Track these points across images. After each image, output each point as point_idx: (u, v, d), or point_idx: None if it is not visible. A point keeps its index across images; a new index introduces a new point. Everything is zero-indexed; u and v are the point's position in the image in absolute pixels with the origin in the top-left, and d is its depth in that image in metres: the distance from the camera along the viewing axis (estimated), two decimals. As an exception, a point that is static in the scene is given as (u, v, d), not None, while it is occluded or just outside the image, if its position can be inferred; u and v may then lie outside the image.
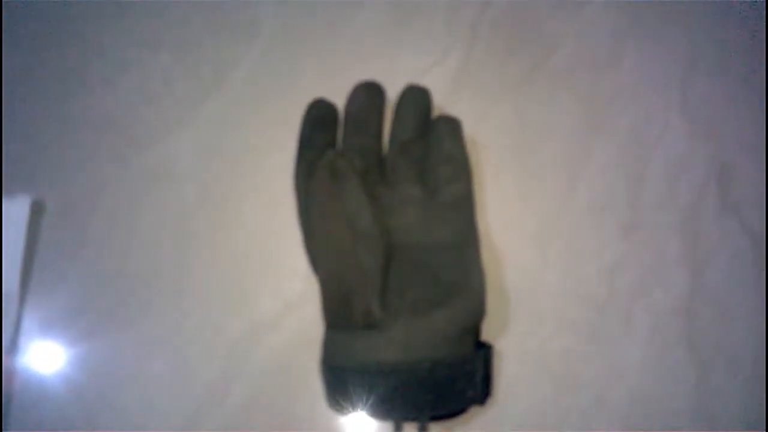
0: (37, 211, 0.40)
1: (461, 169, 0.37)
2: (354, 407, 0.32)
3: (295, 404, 0.39)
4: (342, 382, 0.32)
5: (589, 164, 0.43)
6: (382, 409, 0.32)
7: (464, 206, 0.36)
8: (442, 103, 0.42)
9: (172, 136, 0.42)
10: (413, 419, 0.32)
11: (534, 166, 0.42)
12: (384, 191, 0.36)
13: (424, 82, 0.39)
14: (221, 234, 0.41)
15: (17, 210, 0.39)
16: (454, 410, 0.34)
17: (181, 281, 0.40)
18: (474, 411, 0.35)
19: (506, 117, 0.43)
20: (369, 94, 0.38)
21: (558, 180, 0.42)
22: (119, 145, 0.42)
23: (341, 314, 0.33)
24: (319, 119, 0.38)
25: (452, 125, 0.38)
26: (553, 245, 0.41)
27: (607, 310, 0.40)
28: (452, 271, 0.34)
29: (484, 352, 0.34)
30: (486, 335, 0.36)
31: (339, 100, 0.38)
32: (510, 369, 0.39)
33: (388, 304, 0.32)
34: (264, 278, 0.40)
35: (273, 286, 0.40)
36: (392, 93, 0.39)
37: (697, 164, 0.43)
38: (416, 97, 0.39)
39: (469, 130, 0.38)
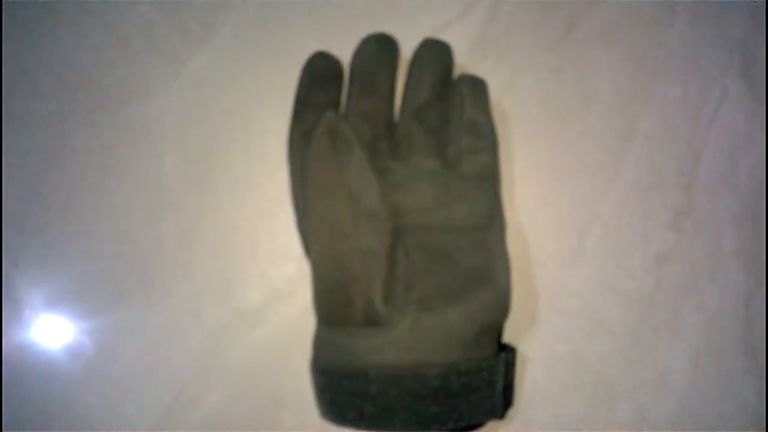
0: (-8, 177, 0.39)
1: (485, 139, 0.35)
2: (349, 417, 0.30)
3: (280, 409, 0.37)
4: (336, 387, 0.30)
5: (635, 138, 0.41)
6: (382, 422, 0.29)
7: (488, 182, 0.34)
8: (464, 64, 0.40)
9: (152, 95, 0.39)
10: (418, 435, 0.30)
11: (570, 139, 0.40)
12: (394, 163, 0.34)
13: (445, 38, 0.37)
14: (203, 207, 0.39)
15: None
16: (467, 425, 0.31)
17: (153, 261, 0.38)
18: (491, 426, 0.33)
19: (539, 82, 0.41)
20: (380, 49, 0.35)
21: (597, 156, 0.40)
22: (91, 104, 0.39)
23: (337, 307, 0.31)
24: (319, 76, 0.35)
25: (476, 87, 0.36)
26: (591, 232, 0.39)
27: (651, 310, 0.39)
28: (472, 258, 0.32)
29: (506, 356, 0.31)
30: (508, 336, 0.34)
31: (344, 56, 0.36)
32: (535, 377, 0.38)
33: (393, 297, 0.30)
34: (250, 260, 0.38)
35: (260, 270, 0.38)
36: (406, 49, 0.36)
37: (760, 140, 0.41)
38: (435, 53, 0.36)
39: (495, 95, 0.36)
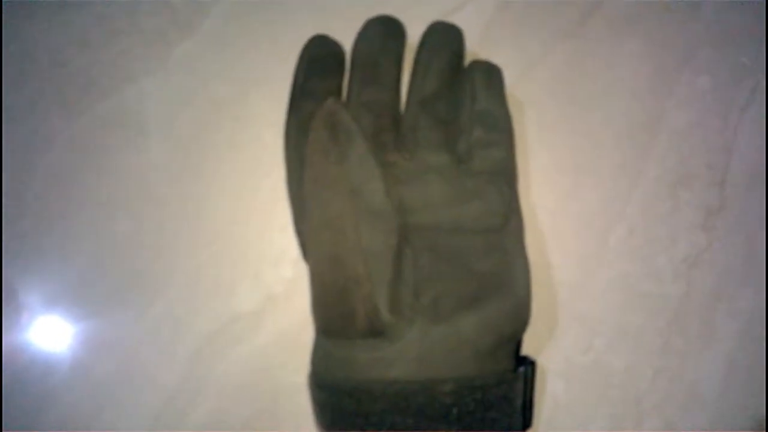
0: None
1: (500, 132, 0.34)
2: (351, 437, 0.29)
3: (274, 424, 0.36)
4: (336, 404, 0.29)
5: (660, 131, 0.39)
6: (388, 443, 0.28)
7: (503, 179, 0.33)
8: (477, 49, 0.38)
9: (137, 82, 0.38)
10: (428, 457, 0.29)
11: (590, 132, 0.39)
12: (400, 158, 0.33)
13: (455, 21, 0.36)
14: (190, 204, 0.38)
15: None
16: (482, 447, 0.30)
17: (137, 263, 0.37)
18: (508, 446, 0.32)
19: (557, 68, 0.40)
20: (384, 33, 0.35)
21: (621, 150, 0.39)
22: (71, 91, 0.38)
23: (338, 316, 0.29)
24: (319, 62, 0.34)
25: (490, 75, 0.35)
26: (615, 232, 0.38)
27: (681, 316, 0.37)
28: (486, 262, 0.31)
29: (525, 369, 0.30)
30: (526, 347, 0.33)
31: (346, 40, 0.35)
32: (556, 391, 0.36)
33: (399, 304, 0.29)
34: (242, 262, 0.37)
35: (253, 273, 0.37)
36: (413, 34, 0.35)
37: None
38: (444, 38, 0.35)
39: (509, 84, 0.35)
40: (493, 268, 0.30)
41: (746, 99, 0.39)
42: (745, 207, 0.38)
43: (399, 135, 0.34)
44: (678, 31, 0.40)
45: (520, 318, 0.30)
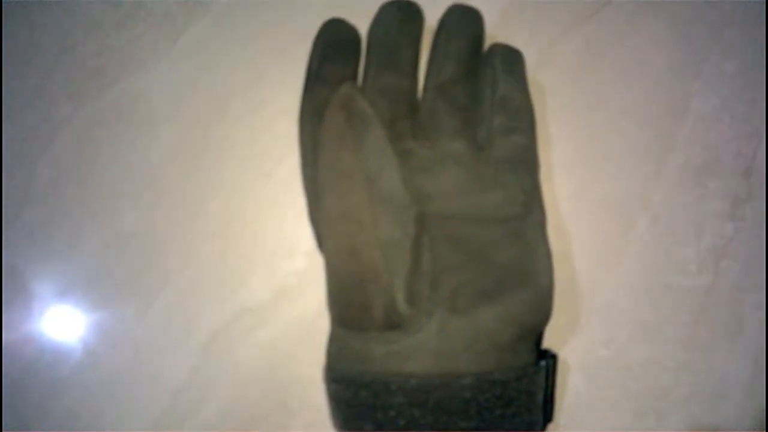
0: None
1: (521, 118, 0.33)
2: (367, 432, 0.28)
3: (287, 419, 0.36)
4: (352, 398, 0.28)
5: (687, 116, 0.38)
6: (406, 438, 0.28)
7: (524, 167, 0.32)
8: (496, 33, 0.38)
9: (144, 69, 0.38)
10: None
11: (613, 118, 0.38)
12: (417, 145, 0.33)
13: (474, 4, 0.35)
14: (200, 194, 0.38)
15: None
16: (502, 443, 0.29)
17: (144, 254, 0.37)
18: (530, 443, 0.31)
19: (579, 52, 0.39)
20: (401, 17, 0.34)
21: (645, 135, 0.38)
22: (77, 79, 0.38)
23: (354, 308, 0.29)
24: (334, 47, 0.33)
25: (511, 59, 0.34)
26: (638, 222, 0.37)
27: (707, 309, 0.36)
28: (507, 252, 0.30)
29: (546, 363, 0.30)
30: (546, 341, 0.33)
31: (362, 25, 0.34)
32: (577, 386, 0.36)
33: (417, 296, 0.28)
34: (253, 253, 0.37)
35: (265, 265, 0.37)
36: (431, 18, 0.34)
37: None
38: (463, 21, 0.34)
39: (530, 68, 0.35)
40: (513, 259, 0.30)
41: (775, 84, 0.38)
42: (775, 196, 0.37)
43: (416, 122, 0.33)
44: (704, 14, 0.39)
45: (542, 310, 0.30)
